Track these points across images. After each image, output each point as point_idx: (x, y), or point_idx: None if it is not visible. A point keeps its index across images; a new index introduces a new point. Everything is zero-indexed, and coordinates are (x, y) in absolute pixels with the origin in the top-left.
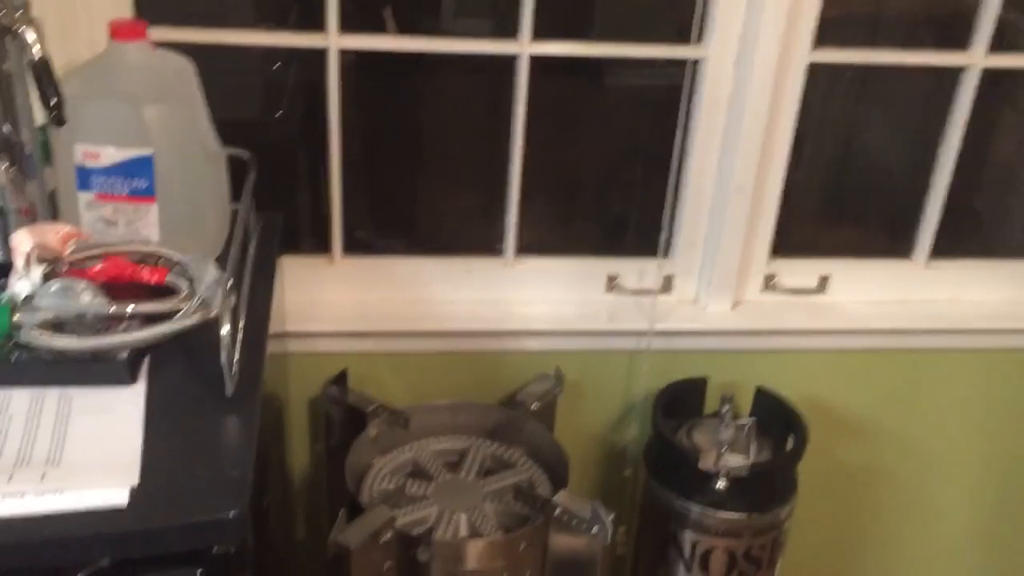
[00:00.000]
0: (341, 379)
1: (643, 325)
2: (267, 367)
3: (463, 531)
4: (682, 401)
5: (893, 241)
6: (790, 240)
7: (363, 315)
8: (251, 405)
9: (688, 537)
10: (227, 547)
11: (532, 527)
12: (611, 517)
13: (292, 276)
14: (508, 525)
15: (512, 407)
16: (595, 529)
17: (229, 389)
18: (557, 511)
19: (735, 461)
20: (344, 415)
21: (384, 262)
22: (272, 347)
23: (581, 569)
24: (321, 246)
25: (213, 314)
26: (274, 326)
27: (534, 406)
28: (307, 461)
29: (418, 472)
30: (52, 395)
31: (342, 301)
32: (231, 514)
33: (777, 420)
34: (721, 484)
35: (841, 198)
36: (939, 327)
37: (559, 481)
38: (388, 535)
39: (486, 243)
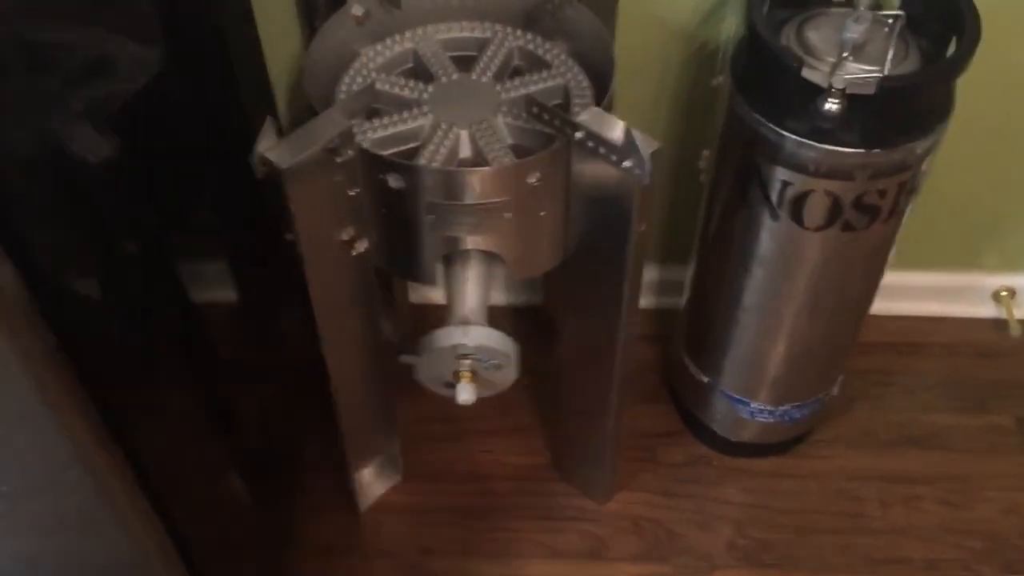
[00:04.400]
0: None
1: None
2: None
3: (463, 151)
4: None
5: None
6: None
7: None
8: None
9: (778, 175)
10: None
11: (546, 153)
12: (652, 149)
13: None
14: (526, 147)
15: None
16: (628, 163)
17: None
18: (580, 134)
19: (860, 70)
20: None
21: None
22: None
23: (613, 215)
24: None
25: None
26: None
27: None
28: (293, 54)
29: (420, 72)
30: None
31: None
32: None
33: (939, 17)
34: (833, 104)
35: None
36: None
37: (605, 90)
38: (348, 154)
39: None
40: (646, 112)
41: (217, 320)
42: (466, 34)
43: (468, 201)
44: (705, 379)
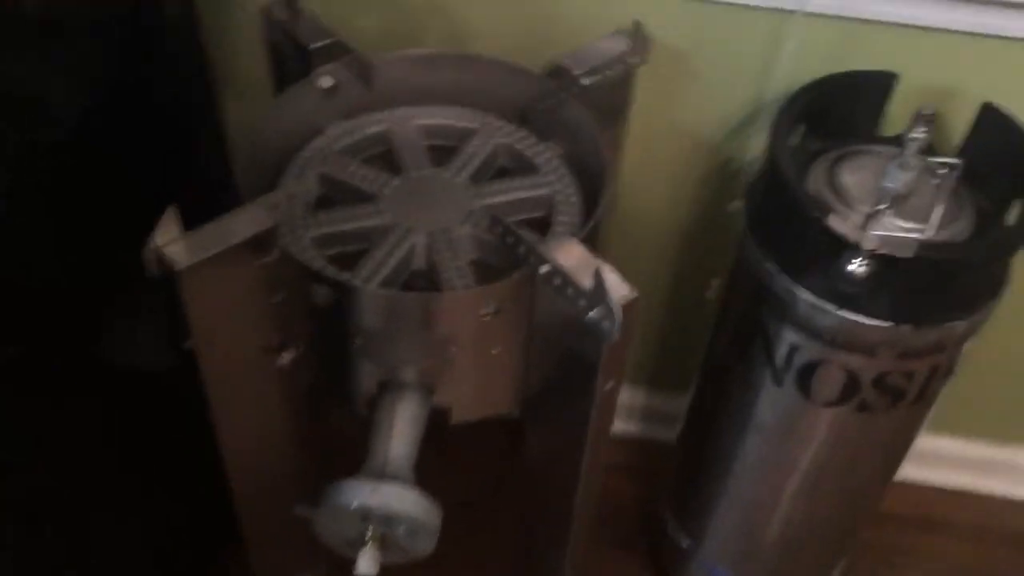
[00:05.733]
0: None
1: None
2: None
3: (417, 262)
4: (845, 111)
5: None
6: None
7: None
8: None
9: (786, 337)
10: None
11: (503, 284)
12: (627, 300)
13: None
14: (494, 264)
15: (554, 78)
16: (594, 313)
17: None
18: (544, 268)
19: (898, 227)
20: (299, 55)
21: None
22: None
23: (577, 366)
24: None
25: None
26: None
27: (585, 80)
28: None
29: (389, 159)
30: None
31: None
32: None
33: (1004, 169)
34: (860, 265)
35: None
36: None
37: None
38: (271, 256)
39: None
40: (655, 224)
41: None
42: (450, 122)
43: (405, 331)
44: (685, 543)
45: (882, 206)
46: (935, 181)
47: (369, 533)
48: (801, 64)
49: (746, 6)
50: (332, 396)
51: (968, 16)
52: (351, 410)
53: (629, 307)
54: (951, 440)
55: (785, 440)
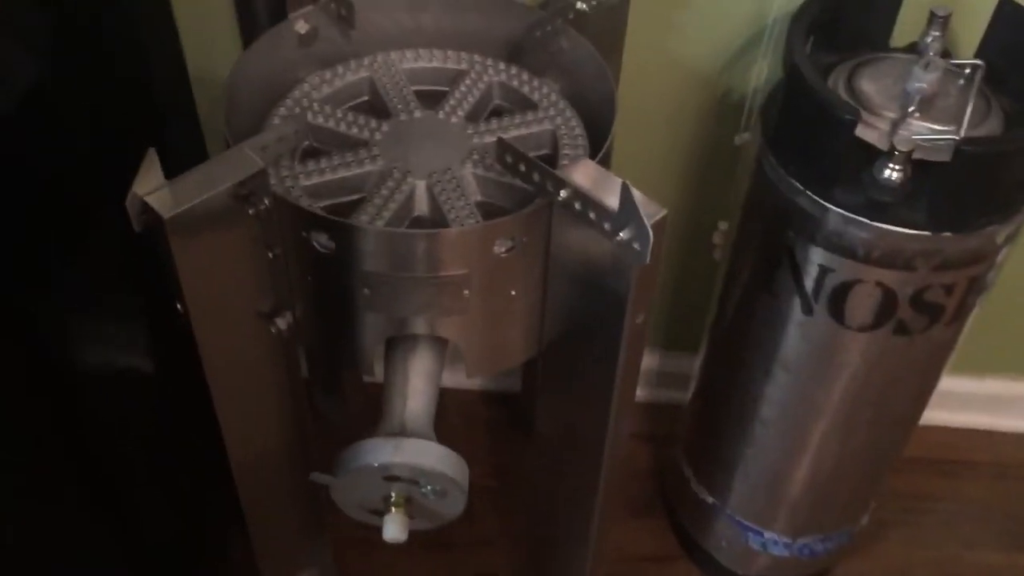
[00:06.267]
0: None
1: None
2: None
3: (419, 208)
4: (855, 22)
5: None
6: None
7: None
8: None
9: (815, 258)
10: None
11: (520, 216)
12: (657, 217)
13: None
14: (499, 205)
15: (547, 8)
16: (624, 234)
17: None
18: (565, 193)
19: (929, 130)
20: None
21: None
22: None
23: (603, 300)
24: None
25: None
26: None
27: (580, 5)
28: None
29: (376, 107)
30: None
31: None
32: None
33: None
34: (894, 171)
35: None
36: None
37: (603, 139)
38: (264, 203)
39: None
40: (651, 171)
41: (112, 385)
42: (436, 64)
43: (416, 273)
44: (710, 499)
45: (911, 109)
46: (960, 82)
47: (394, 496)
48: None
49: None
50: (334, 358)
51: None
52: (361, 371)
53: (659, 225)
54: (965, 380)
55: (816, 375)
